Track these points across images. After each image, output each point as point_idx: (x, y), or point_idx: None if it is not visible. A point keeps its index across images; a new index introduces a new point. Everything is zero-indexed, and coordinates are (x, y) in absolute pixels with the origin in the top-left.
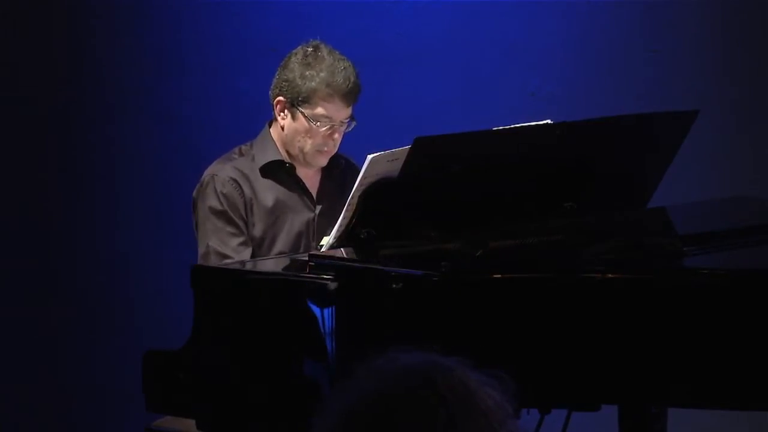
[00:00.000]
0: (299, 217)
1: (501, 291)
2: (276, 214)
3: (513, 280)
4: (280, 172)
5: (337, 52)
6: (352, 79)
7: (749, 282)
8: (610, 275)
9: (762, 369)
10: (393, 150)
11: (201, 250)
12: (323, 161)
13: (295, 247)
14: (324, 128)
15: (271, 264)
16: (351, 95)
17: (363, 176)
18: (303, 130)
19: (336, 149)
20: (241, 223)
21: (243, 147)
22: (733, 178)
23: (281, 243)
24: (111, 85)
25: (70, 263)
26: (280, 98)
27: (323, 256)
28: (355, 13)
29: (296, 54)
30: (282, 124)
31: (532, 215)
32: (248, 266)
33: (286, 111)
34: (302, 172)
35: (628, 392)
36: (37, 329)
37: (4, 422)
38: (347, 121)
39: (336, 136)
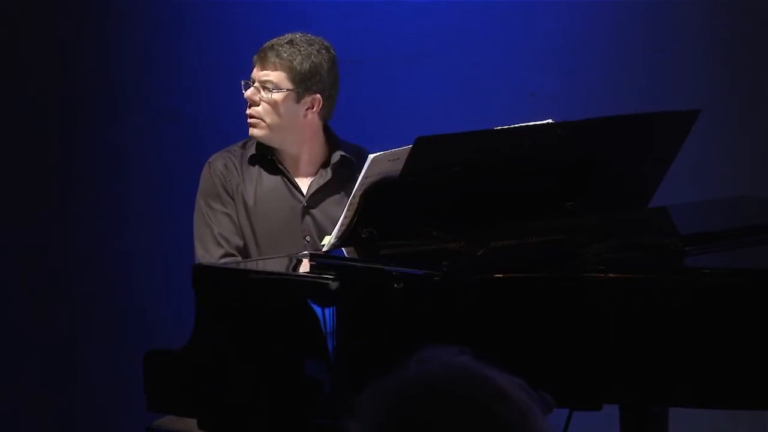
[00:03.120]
0: (283, 205)
1: (502, 291)
2: (259, 202)
3: (514, 280)
4: (266, 162)
5: (308, 35)
6: (278, 44)
7: (750, 282)
8: (611, 275)
9: (762, 369)
10: (394, 149)
11: (199, 230)
12: (253, 132)
13: (281, 236)
14: (246, 89)
15: (272, 263)
16: (264, 54)
17: (364, 176)
18: None
19: (258, 119)
20: (232, 204)
21: (247, 141)
22: (733, 178)
23: (264, 231)
24: (112, 84)
25: (71, 263)
26: None
27: (324, 256)
28: (355, 13)
29: None
30: None
31: (534, 215)
32: (249, 266)
33: None
34: (289, 162)
35: (630, 392)
36: (38, 329)
37: (5, 422)
38: (257, 85)
39: (249, 96)
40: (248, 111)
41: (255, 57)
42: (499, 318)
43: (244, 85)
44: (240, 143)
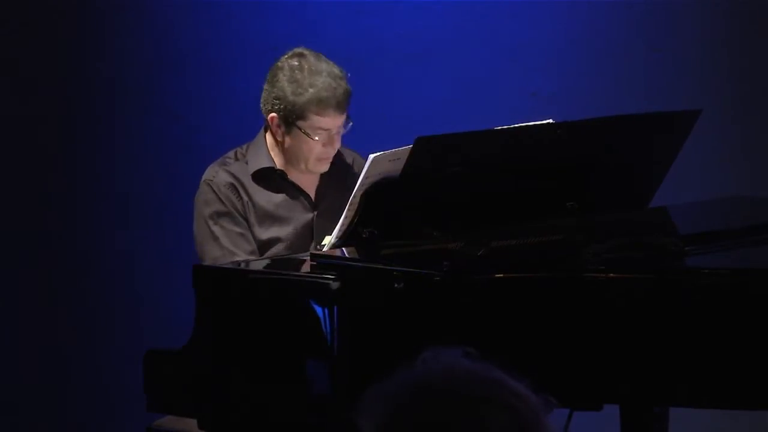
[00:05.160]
0: (298, 220)
1: (503, 290)
2: (273, 219)
3: (515, 280)
4: (273, 177)
5: (323, 58)
6: (342, 86)
7: (750, 282)
8: (611, 275)
9: (762, 369)
10: (395, 150)
11: (214, 253)
12: (325, 167)
13: (295, 250)
14: (322, 140)
15: (272, 264)
16: (342, 103)
17: (365, 176)
18: (302, 143)
19: (335, 152)
20: (245, 224)
21: (239, 150)
22: (733, 178)
23: (281, 247)
24: (112, 84)
25: (71, 263)
26: (273, 115)
27: (325, 256)
28: (356, 13)
29: (282, 69)
30: (279, 139)
31: (534, 215)
32: (250, 266)
33: (281, 127)
34: (296, 175)
35: (630, 392)
36: (38, 329)
37: (5, 422)
38: (343, 126)
39: (335, 143)
40: (328, 155)
41: (331, 108)
42: (499, 318)
43: (324, 135)
44: (232, 155)
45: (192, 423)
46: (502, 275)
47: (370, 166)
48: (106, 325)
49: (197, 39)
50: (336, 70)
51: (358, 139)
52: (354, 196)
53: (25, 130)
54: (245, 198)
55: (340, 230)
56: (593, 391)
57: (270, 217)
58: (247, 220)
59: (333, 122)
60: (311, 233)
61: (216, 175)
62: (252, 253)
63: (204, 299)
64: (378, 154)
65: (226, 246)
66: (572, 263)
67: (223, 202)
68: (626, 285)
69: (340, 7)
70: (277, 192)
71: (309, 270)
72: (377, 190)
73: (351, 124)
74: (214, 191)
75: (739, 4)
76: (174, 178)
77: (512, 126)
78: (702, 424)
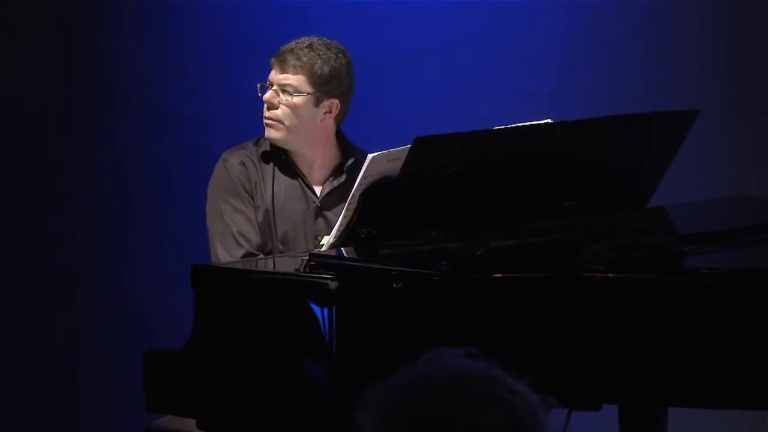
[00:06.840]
0: (298, 205)
1: (501, 290)
2: (277, 201)
3: (513, 280)
4: (278, 160)
5: (325, 39)
6: (295, 47)
7: (749, 282)
8: (610, 275)
9: (762, 369)
10: (393, 149)
11: (218, 227)
12: (271, 134)
13: (296, 235)
14: (261, 91)
15: (271, 263)
16: (285, 59)
17: (363, 176)
18: None
19: (277, 121)
20: (251, 203)
21: (260, 138)
22: (733, 178)
23: (282, 230)
24: (113, 85)
25: (71, 263)
26: None
27: (323, 256)
28: (355, 13)
29: None
30: None
31: (533, 215)
32: (248, 265)
33: None
34: (303, 164)
35: (629, 392)
36: (38, 329)
37: (5, 422)
38: (276, 88)
39: (268, 99)
40: (267, 114)
41: (273, 60)
42: (498, 318)
43: (260, 88)
44: (253, 141)
45: (191, 423)
46: (500, 275)
47: (369, 165)
48: (105, 325)
49: (197, 39)
50: (316, 41)
51: (358, 140)
52: (352, 196)
53: (25, 130)
54: (255, 177)
55: (338, 230)
56: (592, 391)
57: (273, 199)
58: (254, 198)
59: (272, 75)
60: (311, 222)
61: (231, 156)
62: (253, 232)
63: (203, 299)
64: (376, 153)
65: (227, 222)
66: (571, 263)
67: (232, 181)
68: (625, 285)
69: (340, 7)
70: (283, 174)
71: (308, 270)
72: (376, 189)
73: (293, 99)
74: (226, 169)
75: (738, 4)
76: (174, 178)
77: (511, 126)
78: (702, 424)
